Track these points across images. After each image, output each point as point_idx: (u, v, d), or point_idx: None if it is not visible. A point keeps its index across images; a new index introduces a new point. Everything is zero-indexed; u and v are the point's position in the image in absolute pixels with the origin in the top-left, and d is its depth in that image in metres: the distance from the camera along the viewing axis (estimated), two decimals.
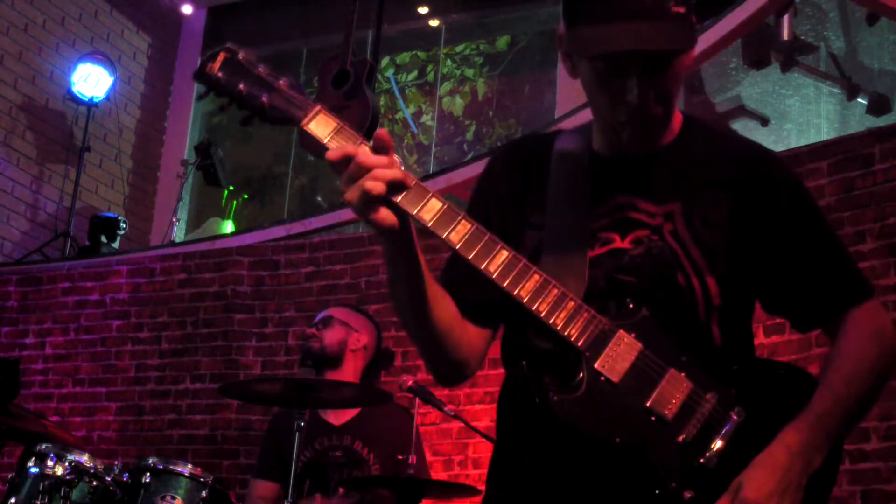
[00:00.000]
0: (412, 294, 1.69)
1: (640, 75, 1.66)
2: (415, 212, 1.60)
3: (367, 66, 6.27)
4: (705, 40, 5.38)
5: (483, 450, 4.78)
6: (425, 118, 8.68)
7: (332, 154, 1.57)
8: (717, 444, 1.65)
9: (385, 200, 1.56)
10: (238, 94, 1.64)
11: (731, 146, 1.86)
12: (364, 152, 1.55)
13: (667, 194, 1.78)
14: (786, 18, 6.28)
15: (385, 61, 8.55)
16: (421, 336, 1.77)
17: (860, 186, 4.33)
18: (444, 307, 1.74)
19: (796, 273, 1.79)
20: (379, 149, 1.56)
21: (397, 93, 8.77)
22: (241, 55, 1.66)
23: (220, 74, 1.65)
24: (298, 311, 5.55)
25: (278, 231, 6.15)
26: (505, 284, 1.64)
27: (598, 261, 1.75)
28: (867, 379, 1.75)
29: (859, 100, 6.59)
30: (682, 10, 1.63)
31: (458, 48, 8.63)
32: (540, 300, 1.65)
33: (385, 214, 1.56)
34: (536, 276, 1.65)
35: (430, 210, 1.61)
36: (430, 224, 1.61)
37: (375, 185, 1.53)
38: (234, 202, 7.77)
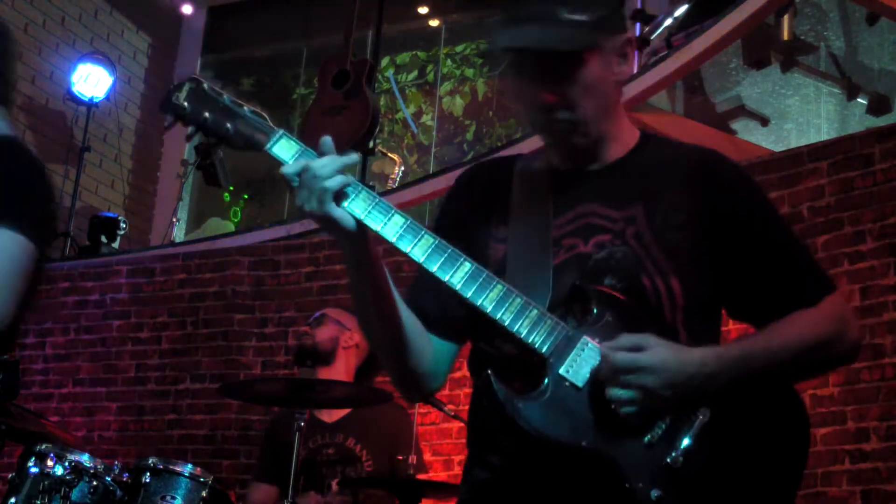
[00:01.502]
0: (373, 301, 1.74)
1: (531, 76, 1.76)
2: (379, 228, 1.67)
3: (367, 66, 6.27)
4: (705, 40, 5.38)
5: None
6: (425, 118, 8.67)
7: (287, 169, 1.65)
8: (684, 443, 1.67)
9: (349, 217, 1.64)
10: (204, 122, 1.72)
11: (687, 153, 1.91)
12: (314, 162, 1.63)
13: (627, 199, 1.83)
14: (786, 18, 6.28)
15: (385, 61, 8.54)
16: (383, 344, 1.82)
17: (860, 186, 4.33)
18: (405, 316, 1.79)
19: (756, 274, 1.83)
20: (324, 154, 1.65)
21: (397, 93, 8.77)
22: (205, 85, 1.74)
23: (185, 104, 1.72)
24: (298, 311, 5.55)
25: (278, 231, 6.15)
26: (469, 295, 1.69)
27: (563, 267, 1.79)
28: (807, 347, 1.78)
29: (859, 100, 6.58)
30: (580, 17, 1.73)
31: (458, 48, 8.62)
32: (504, 309, 1.70)
33: (342, 216, 1.64)
34: (500, 287, 1.70)
35: (393, 226, 1.68)
36: (393, 239, 1.68)
37: (328, 183, 1.61)
38: (235, 208, 7.77)
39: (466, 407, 5.22)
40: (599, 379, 1.68)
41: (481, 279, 1.70)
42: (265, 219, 7.81)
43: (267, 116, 1.74)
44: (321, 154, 1.65)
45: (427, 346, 1.84)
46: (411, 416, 4.02)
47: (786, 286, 1.83)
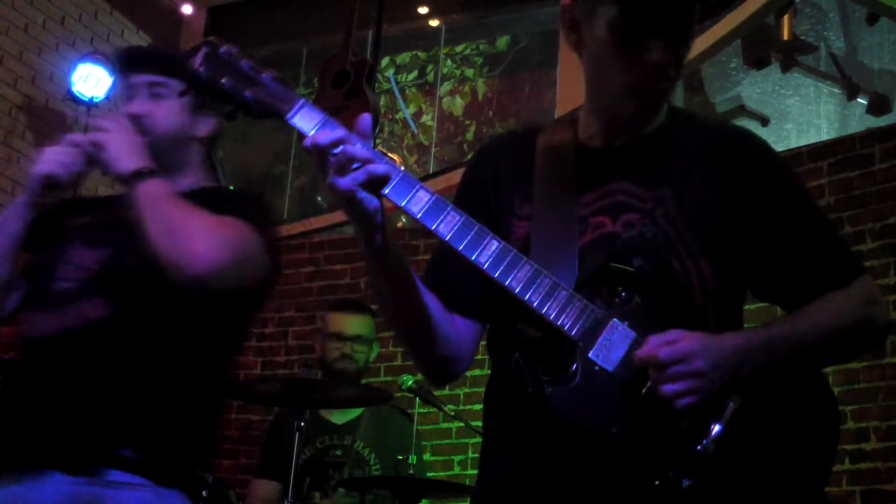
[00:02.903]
0: (395, 289, 1.68)
1: (668, 34, 1.66)
2: (403, 203, 1.59)
3: (367, 66, 6.27)
4: (705, 40, 5.38)
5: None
6: (425, 118, 8.67)
7: (319, 139, 1.53)
8: (714, 431, 1.62)
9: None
10: (220, 88, 1.63)
11: (717, 132, 1.85)
12: (356, 146, 1.53)
13: (656, 179, 1.76)
14: (786, 18, 6.27)
15: (385, 61, 8.54)
16: (407, 332, 1.75)
17: (860, 186, 4.34)
18: (428, 302, 1.73)
19: (785, 255, 1.78)
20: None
21: (397, 93, 8.77)
22: (222, 49, 1.64)
23: (201, 70, 1.63)
24: (298, 311, 5.55)
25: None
26: (496, 275, 1.62)
27: (591, 246, 1.73)
28: (837, 331, 1.73)
29: (859, 100, 6.58)
30: None
31: (458, 48, 8.63)
32: (532, 290, 1.62)
33: (368, 200, 1.55)
34: (528, 267, 1.63)
35: (418, 201, 1.60)
36: (419, 215, 1.60)
37: (370, 174, 1.53)
38: None
39: (467, 407, 5.21)
40: (651, 381, 1.60)
41: (509, 258, 1.62)
42: None
43: (287, 82, 1.63)
44: (359, 133, 1.56)
45: (450, 329, 1.77)
46: (412, 418, 4.02)
47: (815, 267, 1.77)
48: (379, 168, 1.54)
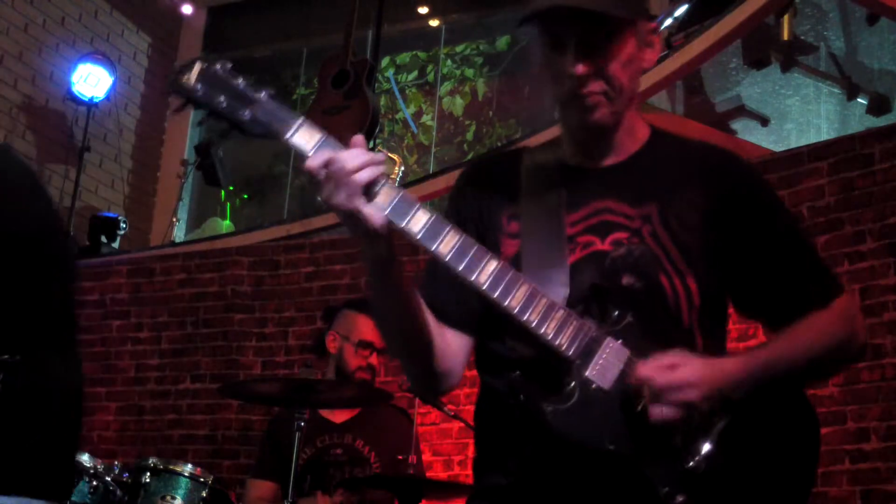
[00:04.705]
0: (394, 303, 1.70)
1: (575, 45, 1.70)
2: (403, 224, 1.60)
3: (367, 66, 6.27)
4: (705, 40, 5.38)
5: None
6: (425, 118, 8.67)
7: (311, 162, 1.56)
8: (705, 447, 1.66)
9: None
10: (217, 107, 1.61)
11: (701, 151, 1.89)
12: (343, 154, 1.55)
13: (642, 197, 1.79)
14: (786, 18, 6.27)
15: (385, 61, 8.54)
16: (403, 346, 1.78)
17: (860, 186, 4.33)
18: (426, 318, 1.75)
19: (766, 274, 1.82)
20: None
21: (397, 93, 8.76)
22: (217, 66, 1.63)
23: (197, 87, 1.61)
24: (298, 311, 5.55)
25: (278, 231, 6.15)
26: (495, 295, 1.64)
27: (580, 265, 1.75)
28: (825, 351, 1.79)
29: (859, 100, 6.58)
30: None
31: (458, 48, 8.62)
32: (530, 310, 1.65)
33: (371, 213, 1.56)
34: (525, 286, 1.65)
35: (417, 222, 1.61)
36: (418, 236, 1.61)
37: (359, 176, 1.54)
38: (229, 203, 7.77)
39: (467, 407, 5.22)
40: (645, 400, 1.65)
41: (507, 279, 1.64)
42: (265, 219, 7.81)
43: (282, 102, 1.63)
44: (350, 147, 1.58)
45: (443, 343, 1.79)
46: (412, 417, 4.02)
47: (796, 287, 1.82)
48: (363, 175, 1.55)
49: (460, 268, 1.63)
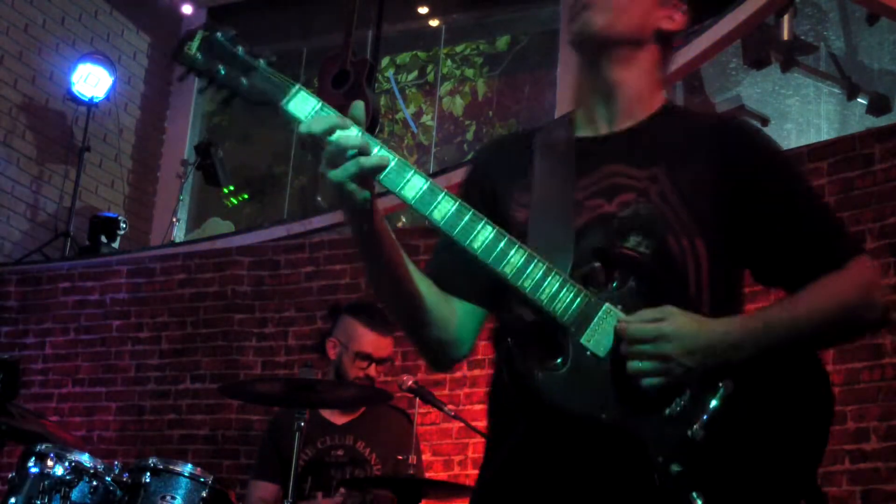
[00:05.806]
0: (387, 273, 1.69)
1: None
2: (397, 190, 1.61)
3: (367, 66, 6.27)
4: (705, 40, 5.38)
5: (483, 450, 4.77)
6: (425, 118, 8.67)
7: (312, 127, 1.57)
8: (704, 416, 1.62)
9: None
10: (217, 75, 1.64)
11: (713, 119, 1.90)
12: (338, 120, 1.58)
13: (650, 159, 1.78)
14: (786, 18, 6.28)
15: (385, 61, 8.54)
16: (403, 316, 1.77)
17: (860, 186, 4.33)
18: (423, 286, 1.75)
19: (779, 237, 1.78)
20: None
21: (397, 93, 8.77)
22: (219, 34, 1.66)
23: (198, 55, 1.64)
24: (298, 311, 5.55)
25: (278, 231, 6.15)
26: (489, 261, 1.64)
27: (587, 229, 1.74)
28: (833, 314, 1.73)
29: (859, 100, 6.58)
30: None
31: (458, 48, 8.62)
32: (524, 276, 1.64)
33: (358, 191, 1.58)
34: (521, 251, 1.64)
35: (412, 188, 1.62)
36: (412, 201, 1.62)
37: (361, 166, 1.55)
38: (228, 203, 7.77)
39: (467, 407, 5.22)
40: (620, 352, 1.62)
41: (502, 244, 1.63)
42: (265, 219, 7.81)
43: (281, 70, 1.65)
44: (353, 119, 1.59)
45: (450, 312, 1.78)
46: (412, 417, 4.02)
47: (811, 249, 1.77)
48: (370, 160, 1.57)
49: (454, 233, 1.63)
